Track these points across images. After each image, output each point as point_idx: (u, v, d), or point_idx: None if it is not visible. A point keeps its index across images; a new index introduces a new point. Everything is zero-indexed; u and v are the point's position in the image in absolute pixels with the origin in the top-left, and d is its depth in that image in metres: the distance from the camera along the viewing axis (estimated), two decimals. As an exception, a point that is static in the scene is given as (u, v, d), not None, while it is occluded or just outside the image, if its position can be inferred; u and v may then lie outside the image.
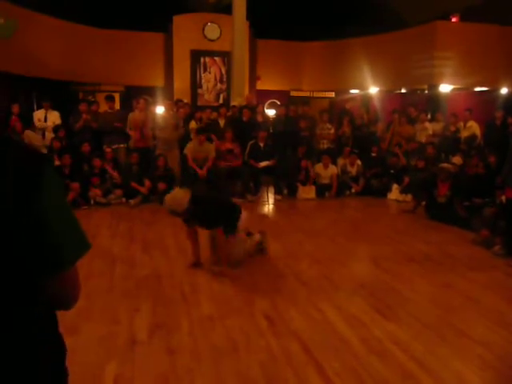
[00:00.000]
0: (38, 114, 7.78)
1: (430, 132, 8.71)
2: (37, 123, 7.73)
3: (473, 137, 8.31)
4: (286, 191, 7.91)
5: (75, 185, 6.48)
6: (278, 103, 12.15)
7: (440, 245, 5.07)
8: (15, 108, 7.48)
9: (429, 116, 9.18)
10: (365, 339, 2.83)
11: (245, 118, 8.28)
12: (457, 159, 7.68)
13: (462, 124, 8.58)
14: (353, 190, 8.05)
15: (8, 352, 0.82)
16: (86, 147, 7.16)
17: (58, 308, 0.93)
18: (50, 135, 7.54)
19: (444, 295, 3.62)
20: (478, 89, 11.27)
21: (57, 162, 6.87)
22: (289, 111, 8.79)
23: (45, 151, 7.15)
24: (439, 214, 6.17)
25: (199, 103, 10.88)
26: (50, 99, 7.92)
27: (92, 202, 6.80)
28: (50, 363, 0.91)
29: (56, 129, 7.39)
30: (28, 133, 7.13)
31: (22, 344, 0.84)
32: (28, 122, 7.67)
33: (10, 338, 0.82)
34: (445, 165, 6.72)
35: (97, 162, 6.92)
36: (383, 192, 7.84)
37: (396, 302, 3.45)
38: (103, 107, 8.19)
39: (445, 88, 10.77)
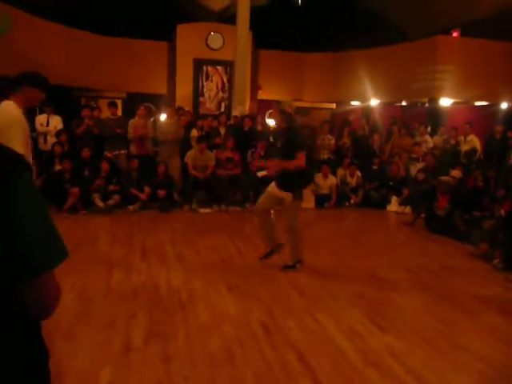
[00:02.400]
0: (41, 119, 7.80)
1: (431, 145, 8.74)
2: (39, 128, 7.75)
3: (473, 150, 8.35)
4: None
5: (75, 190, 6.48)
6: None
7: (439, 257, 5.07)
8: None
9: (429, 129, 9.22)
10: (362, 351, 2.81)
11: (246, 128, 8.32)
12: (456, 172, 7.71)
13: (462, 137, 8.63)
14: (352, 201, 8.05)
15: None
16: (86, 152, 7.17)
17: (33, 316, 0.91)
18: (51, 140, 7.56)
19: (442, 308, 3.60)
20: (478, 103, 11.34)
21: (58, 167, 6.88)
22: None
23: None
24: (438, 227, 6.17)
25: (201, 111, 10.94)
26: (53, 104, 7.95)
27: (95, 206, 6.75)
28: (31, 368, 0.90)
29: (58, 133, 7.41)
30: None
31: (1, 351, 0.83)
32: (30, 126, 7.70)
33: None
34: (444, 178, 6.74)
35: (105, 165, 6.90)
36: (382, 204, 7.85)
37: (393, 314, 3.43)
38: (105, 113, 8.23)
39: (445, 102, 10.83)
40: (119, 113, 9.56)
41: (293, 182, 4.11)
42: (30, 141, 3.15)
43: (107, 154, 7.38)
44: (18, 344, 0.87)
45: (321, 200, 7.83)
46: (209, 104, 11.49)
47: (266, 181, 7.70)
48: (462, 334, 3.11)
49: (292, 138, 4.08)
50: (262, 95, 12.50)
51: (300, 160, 3.97)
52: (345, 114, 11.03)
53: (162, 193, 6.98)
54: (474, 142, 8.49)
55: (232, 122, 8.69)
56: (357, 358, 2.73)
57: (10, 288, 0.82)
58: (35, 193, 0.87)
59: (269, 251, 4.50)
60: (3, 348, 0.84)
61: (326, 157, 8.55)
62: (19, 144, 2.80)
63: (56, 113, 7.91)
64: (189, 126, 8.25)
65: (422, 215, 6.62)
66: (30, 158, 3.18)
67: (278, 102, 4.23)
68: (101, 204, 6.69)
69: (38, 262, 0.83)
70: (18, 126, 2.84)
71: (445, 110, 11.00)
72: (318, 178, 7.91)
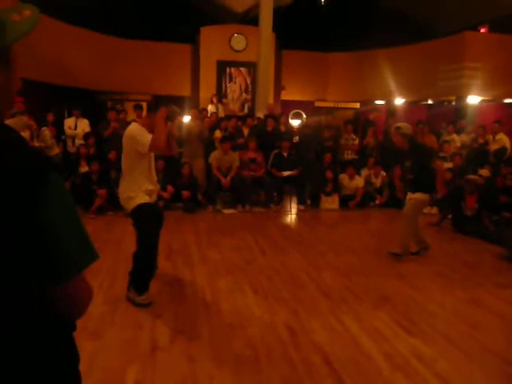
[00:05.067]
0: (69, 122, 8.01)
1: (458, 144, 8.55)
2: (67, 131, 7.96)
3: (503, 149, 8.12)
4: (309, 201, 7.88)
5: (102, 191, 6.62)
6: (303, 113, 12.19)
7: (467, 259, 4.95)
8: (50, 117, 7.76)
9: (456, 128, 9.01)
10: (387, 354, 2.77)
11: (269, 128, 8.32)
12: (484, 171, 7.51)
13: (490, 136, 8.41)
14: (377, 202, 7.95)
15: (18, 358, 0.83)
16: (112, 154, 7.31)
17: (66, 317, 0.92)
18: (79, 142, 7.75)
19: (470, 311, 3.52)
20: (507, 100, 11.03)
21: (84, 169, 7.04)
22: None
23: (56, 150, 7.33)
24: (466, 228, 6.03)
25: (224, 113, 11.02)
26: (80, 107, 8.15)
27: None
28: (62, 368, 0.91)
29: (86, 136, 7.59)
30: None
31: (31, 350, 0.85)
32: (60, 130, 7.94)
33: (20, 344, 0.83)
34: (471, 177, 6.58)
35: None
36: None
37: (420, 316, 3.37)
38: (131, 116, 8.38)
39: (473, 99, 10.57)
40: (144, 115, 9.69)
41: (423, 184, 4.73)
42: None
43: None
44: (51, 345, 0.89)
45: (345, 200, 7.76)
46: (232, 105, 11.55)
47: (289, 181, 7.75)
48: (491, 338, 3.03)
49: (418, 157, 4.69)
50: (286, 95, 12.50)
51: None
52: (367, 113, 10.92)
53: (186, 194, 7.05)
54: (503, 140, 8.25)
55: (255, 122, 8.71)
56: (383, 360, 2.70)
57: (44, 289, 0.84)
58: (65, 194, 0.87)
59: (416, 251, 5.00)
60: (37, 348, 0.86)
61: (350, 157, 8.47)
62: (145, 142, 3.31)
63: (83, 116, 8.11)
64: (213, 128, 8.32)
65: (449, 216, 6.48)
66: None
67: (398, 127, 4.76)
68: None
69: (70, 263, 0.85)
70: (141, 133, 3.39)
71: (473, 108, 10.74)
72: (343, 178, 7.84)
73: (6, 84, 0.88)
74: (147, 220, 3.50)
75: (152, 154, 3.58)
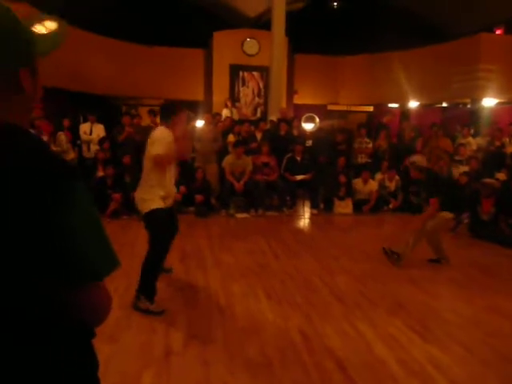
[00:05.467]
0: (84, 127, 8.12)
1: (474, 147, 8.44)
2: (83, 136, 8.07)
3: (519, 152, 8.00)
4: (322, 205, 7.85)
5: (117, 195, 6.69)
6: (316, 117, 12.17)
7: (483, 265, 4.88)
8: (66, 122, 7.88)
9: (472, 131, 8.91)
10: (402, 360, 2.75)
11: (282, 132, 8.33)
12: (501, 175, 7.40)
13: (507, 139, 8.29)
14: (391, 206, 7.89)
15: (36, 362, 0.83)
16: (126, 159, 7.39)
17: (86, 323, 0.93)
18: (94, 147, 7.85)
19: (486, 318, 3.47)
20: (524, 103, 10.87)
21: (101, 173, 7.13)
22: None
23: (72, 155, 7.43)
24: (483, 232, 5.95)
25: (237, 116, 11.07)
26: (95, 113, 8.26)
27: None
28: (80, 374, 0.92)
29: (101, 141, 7.68)
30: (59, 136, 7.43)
31: (50, 355, 0.85)
32: (75, 135, 8.06)
33: (38, 350, 0.84)
34: (488, 180, 6.49)
35: None
36: (423, 208, 7.62)
37: (435, 323, 3.34)
38: (145, 120, 8.46)
39: (488, 102, 10.44)
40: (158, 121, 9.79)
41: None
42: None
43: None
44: (70, 350, 0.90)
45: (359, 205, 7.72)
46: (245, 109, 11.59)
47: (303, 185, 7.74)
48: (510, 346, 2.98)
49: (431, 187, 4.90)
50: (299, 99, 12.49)
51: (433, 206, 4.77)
52: (381, 116, 10.86)
53: (199, 198, 7.09)
54: (520, 143, 8.14)
55: (268, 126, 8.72)
56: (397, 367, 2.67)
57: (65, 296, 0.85)
58: (87, 200, 0.88)
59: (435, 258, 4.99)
60: (57, 354, 0.87)
61: (363, 161, 8.43)
62: (159, 149, 3.36)
63: (99, 121, 8.21)
64: (226, 132, 8.36)
65: (465, 220, 6.39)
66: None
67: (413, 162, 5.06)
68: None
69: (90, 270, 0.86)
70: (161, 139, 3.42)
71: (488, 111, 10.60)
72: (357, 183, 7.80)
73: (34, 93, 0.91)
74: (159, 226, 3.51)
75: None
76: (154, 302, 3.43)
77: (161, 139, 3.42)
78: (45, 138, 6.65)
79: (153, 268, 3.51)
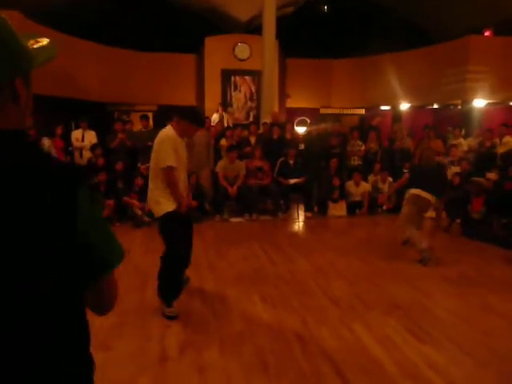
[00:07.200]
0: (76, 134, 8.08)
1: (465, 148, 8.50)
2: (75, 143, 8.03)
3: (510, 153, 8.06)
4: (316, 208, 7.86)
5: (110, 202, 6.65)
6: (308, 121, 12.21)
7: (477, 264, 4.90)
8: (59, 130, 7.83)
9: (463, 132, 8.97)
10: (398, 362, 2.75)
11: (275, 136, 8.34)
12: (492, 175, 7.45)
13: (497, 139, 8.36)
14: (384, 208, 7.91)
15: (41, 364, 0.85)
16: (119, 165, 7.35)
17: (96, 310, 1.01)
18: (87, 154, 7.81)
19: (482, 318, 3.48)
20: (514, 103, 10.98)
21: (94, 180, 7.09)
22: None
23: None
24: (475, 232, 5.98)
25: (230, 121, 11.07)
26: (87, 119, 8.22)
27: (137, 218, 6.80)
28: (78, 378, 0.93)
29: (93, 147, 7.64)
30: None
31: (54, 357, 0.87)
32: (67, 142, 8.01)
33: (48, 350, 0.85)
34: (477, 179, 6.55)
35: (139, 180, 7.02)
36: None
37: (431, 323, 3.34)
38: (137, 126, 8.44)
39: (479, 103, 10.54)
40: (151, 125, 9.77)
41: None
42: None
43: (141, 166, 7.53)
44: (72, 352, 0.91)
45: (353, 207, 7.74)
46: (237, 114, 11.60)
47: (296, 188, 7.75)
48: (505, 346, 2.99)
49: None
50: (291, 103, 12.53)
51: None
52: (371, 118, 10.93)
53: (193, 203, 7.05)
54: (510, 143, 8.19)
55: (261, 129, 8.73)
56: (394, 369, 2.67)
57: (77, 292, 0.90)
58: (97, 201, 0.95)
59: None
60: (57, 355, 0.87)
61: (356, 163, 8.46)
62: (167, 158, 3.33)
63: (90, 127, 8.17)
64: (218, 136, 8.35)
65: (458, 220, 6.43)
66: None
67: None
68: (146, 219, 6.72)
69: (105, 264, 0.94)
70: (167, 142, 3.38)
71: (479, 112, 10.70)
72: (350, 185, 7.82)
73: (28, 102, 0.93)
74: (173, 229, 3.44)
75: (183, 160, 3.54)
76: (171, 306, 3.44)
77: (167, 142, 3.36)
78: None
79: (168, 274, 3.47)
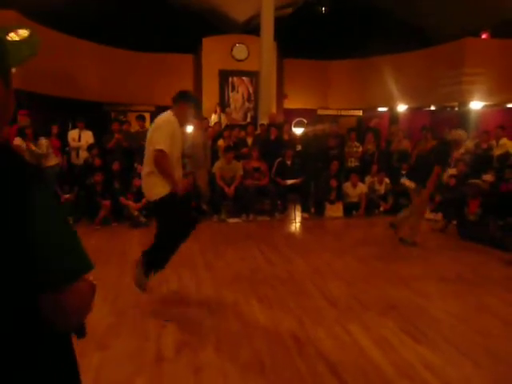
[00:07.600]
0: (73, 134, 8.05)
1: (462, 150, 8.52)
2: (71, 143, 8.00)
3: (506, 155, 8.10)
4: (313, 209, 7.87)
5: (107, 202, 6.64)
6: (305, 121, 12.21)
7: (473, 265, 4.92)
8: (54, 129, 7.80)
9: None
10: (395, 363, 2.75)
11: (272, 137, 8.34)
12: (488, 177, 7.48)
13: (494, 141, 8.39)
14: (381, 209, 7.93)
15: (14, 374, 0.81)
16: (116, 166, 7.34)
17: (58, 327, 0.89)
18: (83, 154, 7.79)
19: (479, 318, 3.49)
20: (510, 105, 11.03)
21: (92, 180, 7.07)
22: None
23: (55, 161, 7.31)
24: (471, 233, 6.00)
25: (227, 122, 11.07)
26: (84, 119, 8.20)
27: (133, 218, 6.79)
28: (58, 379, 0.90)
29: (90, 148, 7.62)
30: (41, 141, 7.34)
31: (25, 361, 0.83)
32: (64, 142, 7.98)
33: (13, 356, 0.81)
34: (473, 181, 6.57)
35: (136, 181, 6.98)
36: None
37: (427, 324, 3.34)
38: (135, 126, 8.43)
39: (476, 105, 10.58)
40: (148, 126, 9.75)
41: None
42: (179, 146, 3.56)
43: (137, 166, 7.52)
44: (47, 357, 0.87)
45: (349, 208, 7.75)
46: (235, 114, 11.60)
47: (293, 189, 7.75)
48: (502, 347, 3.00)
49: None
50: (288, 104, 12.54)
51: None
52: (369, 120, 10.95)
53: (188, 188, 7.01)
54: (506, 145, 8.22)
55: (259, 130, 8.74)
56: (390, 369, 2.67)
57: (35, 300, 0.83)
58: (52, 204, 0.85)
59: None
60: (31, 361, 0.84)
61: (353, 164, 8.47)
62: (161, 142, 3.31)
63: (87, 127, 8.15)
64: (216, 137, 8.35)
65: (454, 222, 6.45)
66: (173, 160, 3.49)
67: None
68: (143, 219, 6.72)
69: (61, 274, 0.84)
70: (164, 127, 3.39)
71: (476, 114, 10.74)
72: (347, 187, 7.83)
73: (6, 100, 0.87)
74: (173, 212, 3.44)
75: (179, 145, 3.53)
76: (148, 277, 3.50)
77: (165, 125, 3.37)
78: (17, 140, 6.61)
79: (161, 248, 3.50)
